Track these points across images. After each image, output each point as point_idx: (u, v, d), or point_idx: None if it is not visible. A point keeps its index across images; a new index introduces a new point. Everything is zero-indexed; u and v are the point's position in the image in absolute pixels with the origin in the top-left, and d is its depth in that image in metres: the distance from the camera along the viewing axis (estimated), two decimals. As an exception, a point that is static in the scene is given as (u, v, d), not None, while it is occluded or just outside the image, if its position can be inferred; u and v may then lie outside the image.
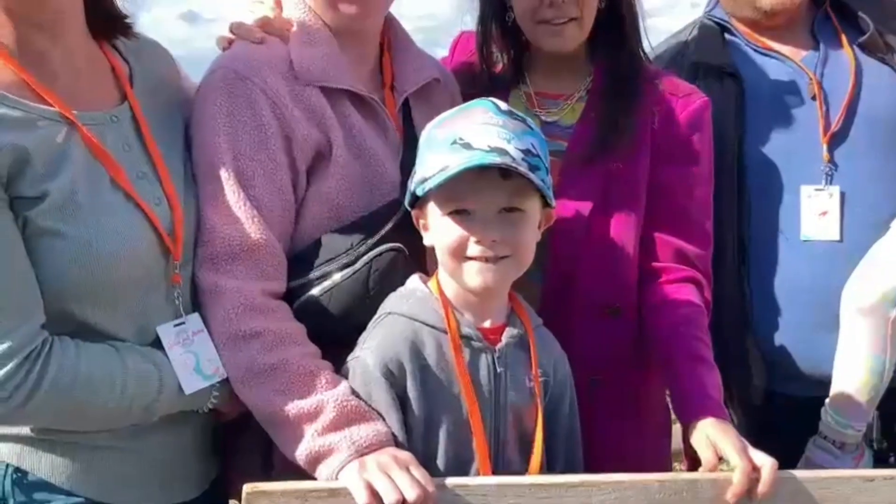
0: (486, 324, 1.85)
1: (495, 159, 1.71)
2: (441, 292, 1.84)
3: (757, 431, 2.45)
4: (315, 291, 1.88)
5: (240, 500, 1.70)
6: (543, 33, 2.21)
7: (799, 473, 1.83)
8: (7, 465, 1.77)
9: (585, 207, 2.16)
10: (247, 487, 1.66)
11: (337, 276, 1.87)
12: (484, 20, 2.33)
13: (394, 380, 1.78)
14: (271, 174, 1.88)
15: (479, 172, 1.72)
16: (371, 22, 2.05)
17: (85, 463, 1.80)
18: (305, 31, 2.01)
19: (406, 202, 1.87)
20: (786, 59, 2.50)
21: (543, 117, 2.26)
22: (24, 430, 1.77)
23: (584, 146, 2.20)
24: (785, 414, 2.41)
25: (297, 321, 1.86)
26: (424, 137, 1.85)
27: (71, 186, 1.72)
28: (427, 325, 1.81)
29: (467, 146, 1.73)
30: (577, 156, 2.20)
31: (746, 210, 2.44)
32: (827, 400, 2.32)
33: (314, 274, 1.89)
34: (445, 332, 1.80)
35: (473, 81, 2.30)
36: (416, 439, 1.78)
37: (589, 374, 2.11)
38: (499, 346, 1.84)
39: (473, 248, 1.76)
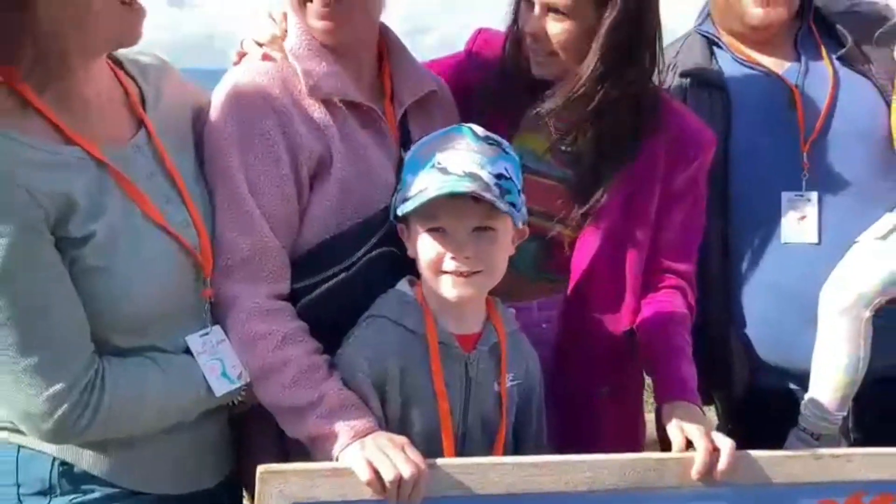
0: (464, 331, 1.96)
1: (468, 185, 1.82)
2: (424, 299, 1.95)
3: (740, 422, 2.59)
4: (317, 293, 2.00)
5: (253, 486, 1.80)
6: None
7: (754, 453, 1.94)
8: (54, 458, 1.86)
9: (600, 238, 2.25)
10: (261, 468, 1.77)
11: (335, 280, 2.00)
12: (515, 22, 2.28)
13: (375, 379, 1.90)
14: (279, 185, 1.99)
15: (454, 195, 1.84)
16: (345, 35, 2.06)
17: (123, 458, 1.90)
18: (306, 46, 2.07)
19: (391, 216, 1.99)
20: (769, 72, 2.59)
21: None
22: None
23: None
24: (766, 406, 2.52)
25: (300, 320, 1.98)
26: (408, 158, 1.97)
27: (111, 224, 1.79)
28: (409, 329, 1.92)
29: (444, 170, 1.85)
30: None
31: (731, 214, 2.53)
32: (806, 394, 2.43)
33: (316, 277, 2.00)
34: (426, 338, 1.92)
35: (513, 80, 2.28)
36: None
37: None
38: (472, 353, 1.95)
39: (449, 264, 1.88)
